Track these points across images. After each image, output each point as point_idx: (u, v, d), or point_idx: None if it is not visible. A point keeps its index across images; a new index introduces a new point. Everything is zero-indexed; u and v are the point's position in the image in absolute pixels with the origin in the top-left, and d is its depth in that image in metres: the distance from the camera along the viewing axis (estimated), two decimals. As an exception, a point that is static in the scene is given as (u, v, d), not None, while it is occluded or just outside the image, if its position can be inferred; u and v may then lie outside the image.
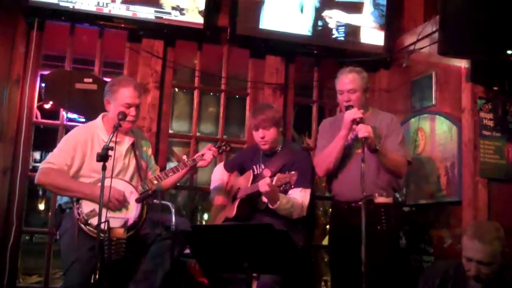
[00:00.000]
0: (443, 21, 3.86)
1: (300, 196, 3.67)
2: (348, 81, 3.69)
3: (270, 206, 3.54)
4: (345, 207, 3.71)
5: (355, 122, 3.49)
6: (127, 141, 3.57)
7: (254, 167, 3.95)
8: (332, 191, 3.92)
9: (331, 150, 3.67)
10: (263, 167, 3.88)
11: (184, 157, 3.80)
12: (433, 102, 4.40)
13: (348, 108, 3.60)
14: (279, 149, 3.90)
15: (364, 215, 3.12)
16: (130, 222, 3.31)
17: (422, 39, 4.51)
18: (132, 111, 3.49)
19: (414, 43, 4.61)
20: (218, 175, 4.17)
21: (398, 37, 5.01)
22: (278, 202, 3.51)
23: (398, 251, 3.89)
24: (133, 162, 3.58)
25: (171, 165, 3.95)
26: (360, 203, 3.24)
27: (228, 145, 4.00)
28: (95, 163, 3.11)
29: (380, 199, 3.50)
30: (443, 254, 4.02)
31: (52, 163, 3.35)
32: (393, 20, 5.03)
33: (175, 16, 4.58)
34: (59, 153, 3.42)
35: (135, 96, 3.51)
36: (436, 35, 4.04)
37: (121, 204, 3.33)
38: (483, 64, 3.99)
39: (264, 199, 3.58)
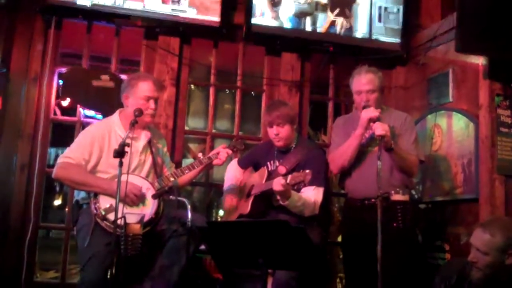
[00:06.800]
0: (461, 18, 3.82)
1: (312, 194, 3.66)
2: (366, 81, 3.68)
3: (281, 202, 3.54)
4: (359, 204, 3.71)
5: (372, 120, 3.49)
6: (143, 138, 3.58)
7: (268, 163, 3.95)
8: (345, 188, 3.91)
9: (347, 148, 3.67)
10: (277, 164, 3.88)
11: (200, 154, 3.82)
12: (450, 99, 4.37)
13: (365, 107, 3.60)
14: (293, 146, 3.89)
15: (380, 212, 3.12)
16: (147, 218, 3.32)
17: (439, 36, 4.49)
18: (152, 104, 3.51)
19: (431, 40, 4.60)
20: (232, 172, 4.16)
21: (415, 34, 4.97)
22: (289, 199, 3.51)
23: (415, 248, 3.86)
24: (149, 159, 3.60)
25: (187, 161, 3.97)
26: (373, 200, 3.23)
27: (242, 143, 4.01)
28: (112, 159, 3.12)
29: (396, 197, 3.48)
30: (459, 252, 3.99)
31: (70, 158, 3.38)
32: (410, 17, 4.99)
33: (191, 13, 4.60)
34: (76, 148, 3.44)
35: (154, 90, 3.54)
36: (453, 32, 3.99)
37: (138, 199, 3.35)
38: (501, 61, 3.96)
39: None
